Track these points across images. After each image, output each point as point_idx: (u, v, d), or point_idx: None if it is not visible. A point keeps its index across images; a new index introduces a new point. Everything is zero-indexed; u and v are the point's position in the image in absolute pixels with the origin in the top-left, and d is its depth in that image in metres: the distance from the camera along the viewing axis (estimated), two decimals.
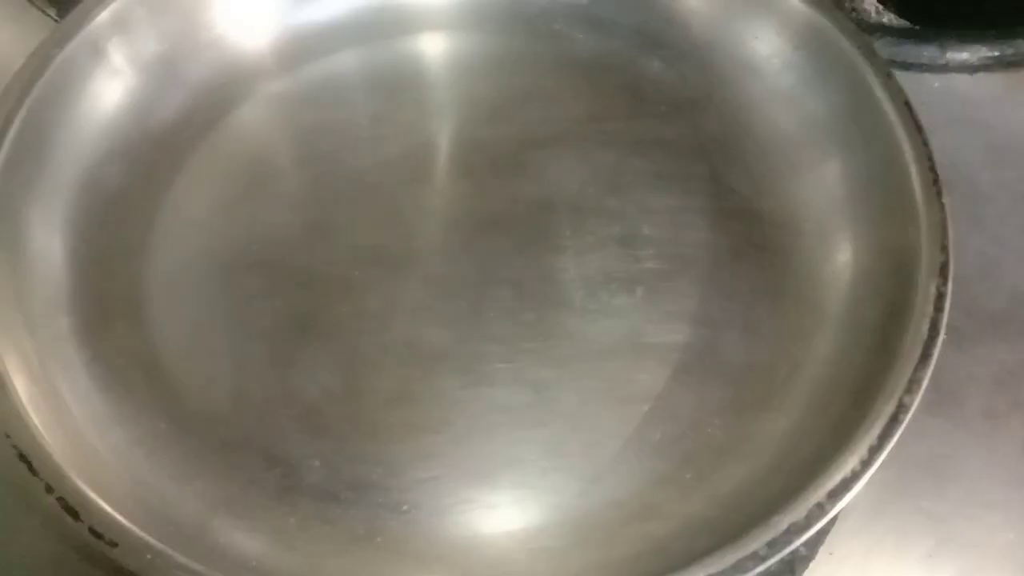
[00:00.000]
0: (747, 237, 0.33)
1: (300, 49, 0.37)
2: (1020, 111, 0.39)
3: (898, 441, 0.25)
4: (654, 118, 0.36)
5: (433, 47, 0.38)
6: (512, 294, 0.32)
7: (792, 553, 0.29)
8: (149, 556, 0.23)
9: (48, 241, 0.31)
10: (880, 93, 0.31)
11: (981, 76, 0.39)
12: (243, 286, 0.32)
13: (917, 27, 0.41)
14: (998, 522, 0.30)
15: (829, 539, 0.30)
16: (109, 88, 0.33)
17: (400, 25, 0.37)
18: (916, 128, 0.30)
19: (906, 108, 0.30)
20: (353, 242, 0.33)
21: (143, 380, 0.30)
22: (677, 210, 0.33)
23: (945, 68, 0.39)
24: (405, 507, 0.28)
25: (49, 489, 0.24)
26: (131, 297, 0.31)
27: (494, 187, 0.34)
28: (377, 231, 0.33)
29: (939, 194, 0.29)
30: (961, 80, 0.39)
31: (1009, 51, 0.39)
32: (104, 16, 0.33)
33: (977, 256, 0.35)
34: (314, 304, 0.32)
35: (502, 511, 0.28)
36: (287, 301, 0.32)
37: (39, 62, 0.31)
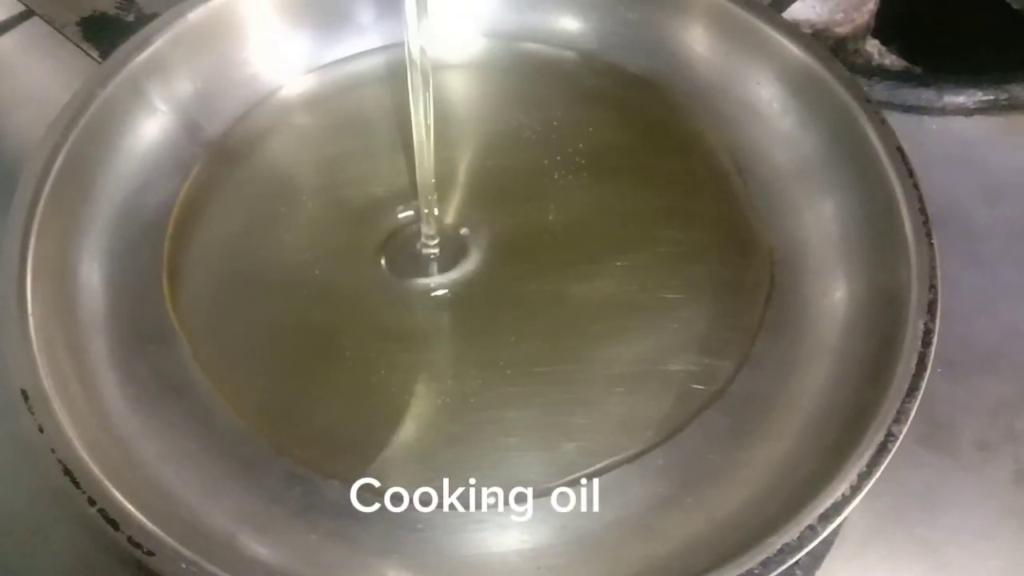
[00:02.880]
0: (749, 272, 0.33)
1: (326, 86, 0.38)
2: (1014, 152, 0.39)
3: (893, 471, 0.26)
4: (661, 156, 0.36)
5: (453, 85, 0.38)
6: (523, 319, 0.32)
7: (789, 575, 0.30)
8: (184, 565, 0.24)
9: (88, 267, 0.31)
10: (874, 138, 0.31)
11: (977, 118, 0.40)
12: (268, 310, 0.32)
13: (917, 69, 0.42)
14: (989, 550, 0.30)
15: (825, 563, 0.30)
16: (147, 124, 0.35)
17: None
18: (908, 172, 0.30)
19: (898, 153, 0.31)
20: (372, 266, 0.34)
21: (172, 400, 0.30)
22: (682, 244, 0.34)
23: (943, 111, 0.40)
24: (420, 525, 0.28)
25: (91, 502, 0.24)
26: (163, 321, 0.32)
27: (508, 214, 0.35)
28: (395, 256, 0.34)
29: (929, 235, 0.29)
30: (958, 122, 0.40)
31: (1003, 95, 0.40)
32: (143, 58, 0.34)
33: (972, 291, 0.35)
34: (335, 327, 0.32)
35: (511, 530, 0.28)
36: (309, 324, 0.32)
37: (82, 100, 0.32)
